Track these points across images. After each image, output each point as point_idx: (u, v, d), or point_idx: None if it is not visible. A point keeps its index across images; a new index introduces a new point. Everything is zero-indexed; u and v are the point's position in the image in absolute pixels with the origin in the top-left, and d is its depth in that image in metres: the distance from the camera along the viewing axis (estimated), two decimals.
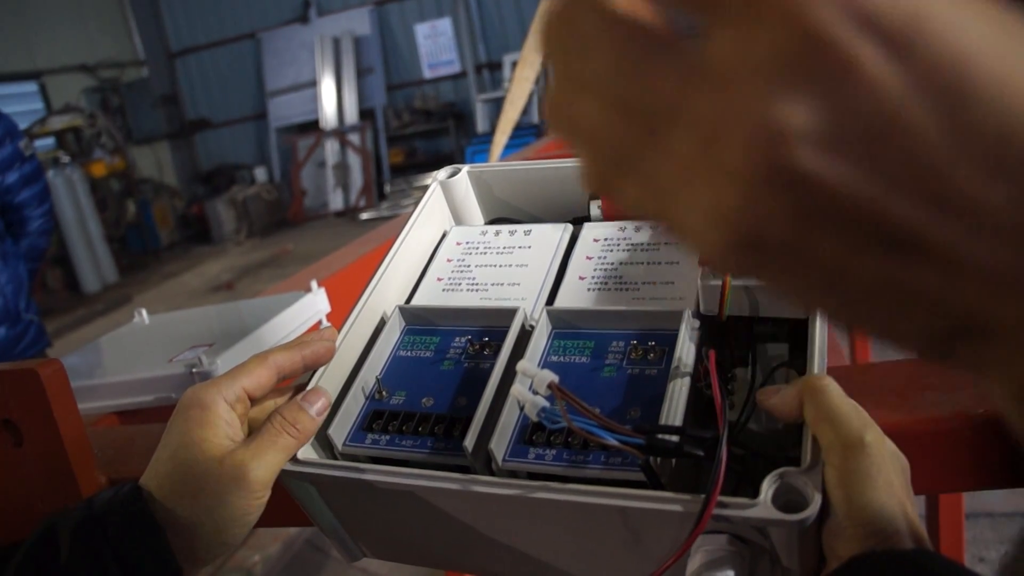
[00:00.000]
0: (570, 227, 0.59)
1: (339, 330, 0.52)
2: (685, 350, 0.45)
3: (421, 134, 8.40)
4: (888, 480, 0.35)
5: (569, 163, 0.61)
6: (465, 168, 0.65)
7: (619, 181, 0.21)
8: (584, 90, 0.20)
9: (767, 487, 0.36)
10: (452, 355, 0.51)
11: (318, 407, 0.46)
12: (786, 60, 0.17)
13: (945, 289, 0.17)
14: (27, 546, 0.40)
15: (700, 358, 0.45)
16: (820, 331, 0.43)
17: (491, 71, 8.12)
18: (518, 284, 0.55)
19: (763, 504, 0.35)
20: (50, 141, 6.90)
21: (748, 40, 0.17)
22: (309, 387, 0.48)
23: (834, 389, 0.38)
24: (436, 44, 8.23)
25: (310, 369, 0.49)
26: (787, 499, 0.35)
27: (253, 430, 0.45)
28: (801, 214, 0.17)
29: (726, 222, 0.18)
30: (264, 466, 0.43)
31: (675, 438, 0.39)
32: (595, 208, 0.59)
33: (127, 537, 0.40)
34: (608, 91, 0.19)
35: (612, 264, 0.54)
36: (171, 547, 0.41)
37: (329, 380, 0.50)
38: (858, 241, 0.17)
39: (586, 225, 0.59)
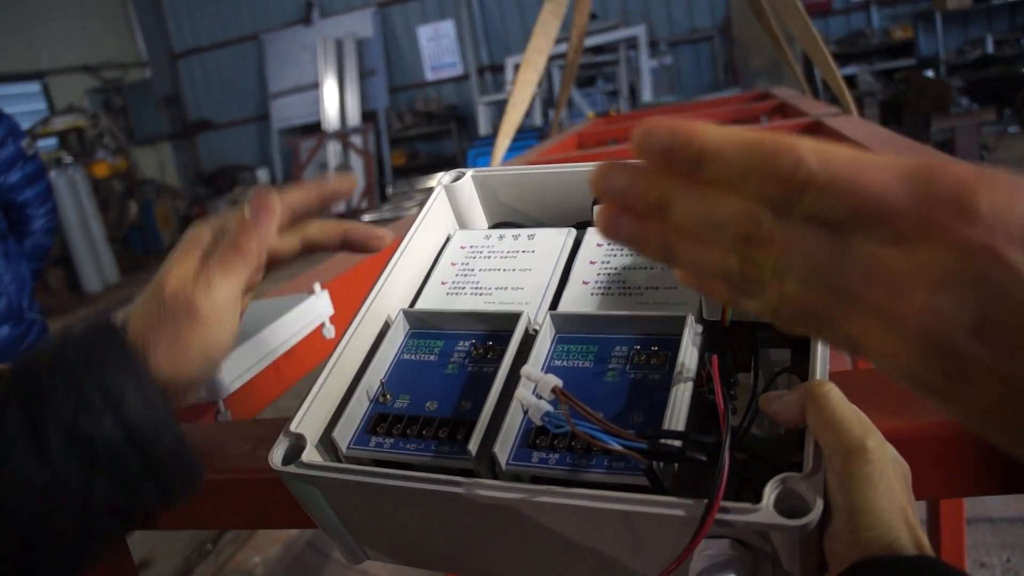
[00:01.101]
0: (574, 232, 0.59)
1: (343, 333, 0.52)
2: (688, 355, 0.45)
3: (423, 136, 8.41)
4: (890, 486, 0.35)
5: (573, 168, 0.62)
6: (469, 172, 0.65)
7: (799, 326, 0.28)
8: (778, 273, 0.26)
9: (769, 492, 0.36)
10: (456, 359, 0.51)
11: (263, 220, 0.45)
12: (956, 273, 0.22)
13: None
14: (8, 381, 0.39)
15: (703, 363, 0.45)
16: None
17: (493, 74, 8.13)
18: (522, 288, 0.55)
19: (765, 509, 0.35)
20: (53, 141, 6.92)
21: (921, 253, 0.23)
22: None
23: (836, 395, 0.38)
24: (438, 46, 8.25)
25: (328, 202, 0.48)
26: (789, 504, 0.36)
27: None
28: (953, 374, 0.23)
29: (899, 371, 0.25)
30: (213, 296, 0.42)
31: (678, 443, 0.39)
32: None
33: (101, 356, 0.39)
34: (799, 272, 0.25)
35: (615, 269, 0.54)
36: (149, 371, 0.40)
37: (333, 383, 0.50)
38: (995, 397, 0.23)
39: (589, 230, 0.59)
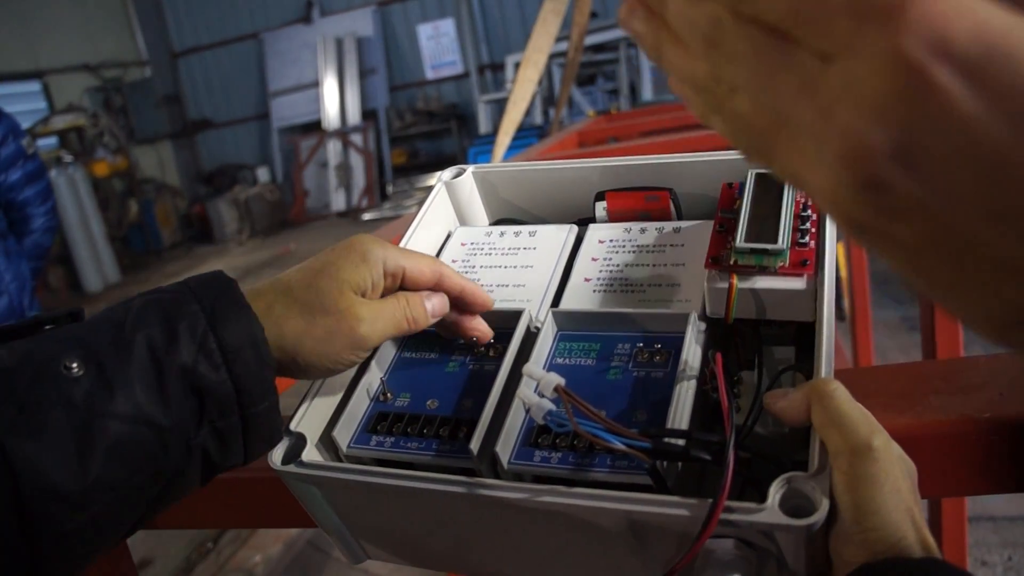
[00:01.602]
0: (575, 228, 0.59)
1: None
2: (691, 353, 0.45)
3: (423, 135, 8.40)
4: (896, 486, 0.34)
5: (574, 164, 0.61)
6: (470, 168, 0.64)
7: (752, 151, 0.27)
8: (732, 86, 0.26)
9: (774, 492, 0.36)
10: (457, 357, 0.50)
11: (435, 305, 0.48)
12: (879, 90, 0.21)
13: (1004, 285, 0.21)
14: (135, 317, 0.40)
15: (706, 361, 0.45)
16: (827, 335, 0.43)
17: (493, 72, 8.12)
18: (523, 286, 0.55)
19: (770, 509, 0.35)
20: (53, 140, 6.91)
21: (849, 68, 0.21)
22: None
23: (842, 393, 0.38)
24: (439, 45, 8.24)
25: (460, 304, 0.50)
26: (794, 504, 0.35)
27: None
28: (881, 209, 0.22)
29: (833, 206, 0.23)
30: (375, 331, 0.45)
31: (681, 442, 0.39)
32: (600, 209, 0.59)
33: (224, 310, 0.41)
34: (748, 84, 0.25)
35: (617, 266, 0.54)
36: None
37: (333, 382, 0.50)
38: (926, 235, 0.22)
39: (591, 226, 0.59)
